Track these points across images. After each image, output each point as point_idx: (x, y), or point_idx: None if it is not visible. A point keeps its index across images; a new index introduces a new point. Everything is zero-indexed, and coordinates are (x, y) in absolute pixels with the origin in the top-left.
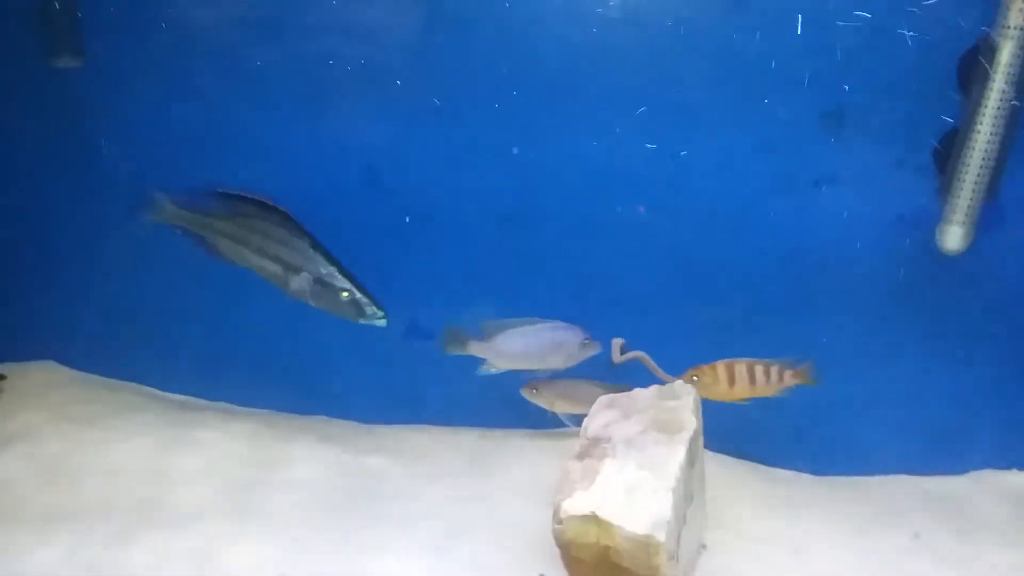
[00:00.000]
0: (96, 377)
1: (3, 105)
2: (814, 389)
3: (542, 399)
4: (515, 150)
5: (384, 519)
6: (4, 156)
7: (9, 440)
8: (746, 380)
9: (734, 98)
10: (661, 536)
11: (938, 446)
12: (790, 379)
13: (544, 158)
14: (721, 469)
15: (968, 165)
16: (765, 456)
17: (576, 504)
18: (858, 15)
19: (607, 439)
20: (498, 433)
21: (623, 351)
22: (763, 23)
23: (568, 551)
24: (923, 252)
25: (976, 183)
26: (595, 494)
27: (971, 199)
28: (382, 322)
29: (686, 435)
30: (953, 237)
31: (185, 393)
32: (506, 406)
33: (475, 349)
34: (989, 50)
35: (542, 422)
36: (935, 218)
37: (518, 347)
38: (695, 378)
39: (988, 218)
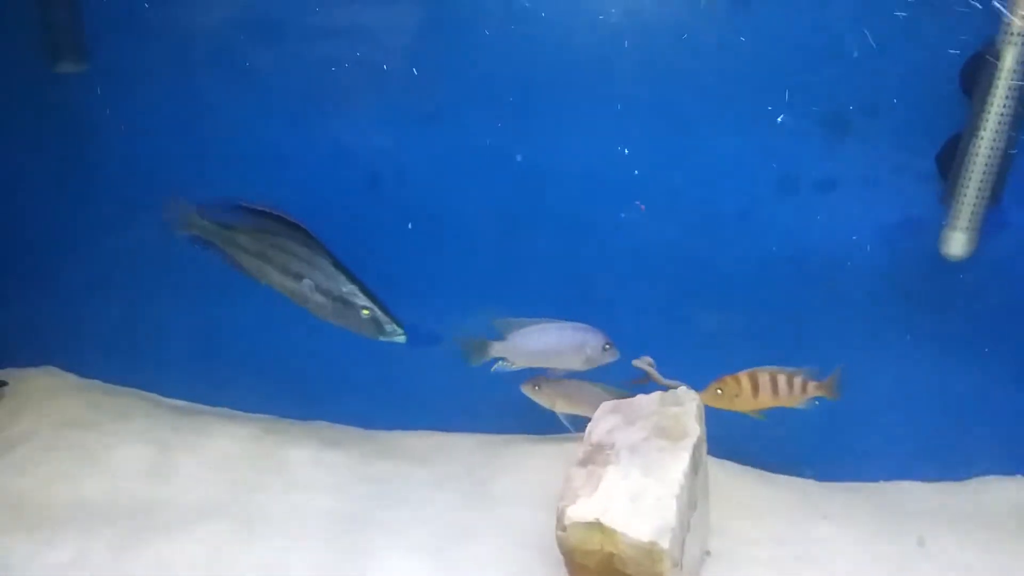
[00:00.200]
0: (98, 383)
1: (5, 110)
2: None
3: (543, 397)
4: (518, 157)
5: (385, 524)
6: (6, 161)
7: (12, 446)
8: (769, 390)
9: (737, 103)
10: (665, 543)
11: (942, 452)
12: (814, 391)
13: (547, 163)
14: (725, 475)
15: (971, 171)
16: (769, 462)
17: (580, 511)
18: (860, 19)
19: (610, 445)
20: (499, 438)
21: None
22: (766, 28)
23: (572, 557)
24: (926, 258)
25: (979, 189)
26: (599, 501)
27: (974, 205)
28: (401, 339)
29: (690, 441)
30: (957, 243)
31: (186, 399)
32: (507, 411)
33: (498, 350)
34: (993, 55)
35: (543, 427)
36: (938, 224)
37: (538, 343)
38: (719, 391)
39: (992, 224)
